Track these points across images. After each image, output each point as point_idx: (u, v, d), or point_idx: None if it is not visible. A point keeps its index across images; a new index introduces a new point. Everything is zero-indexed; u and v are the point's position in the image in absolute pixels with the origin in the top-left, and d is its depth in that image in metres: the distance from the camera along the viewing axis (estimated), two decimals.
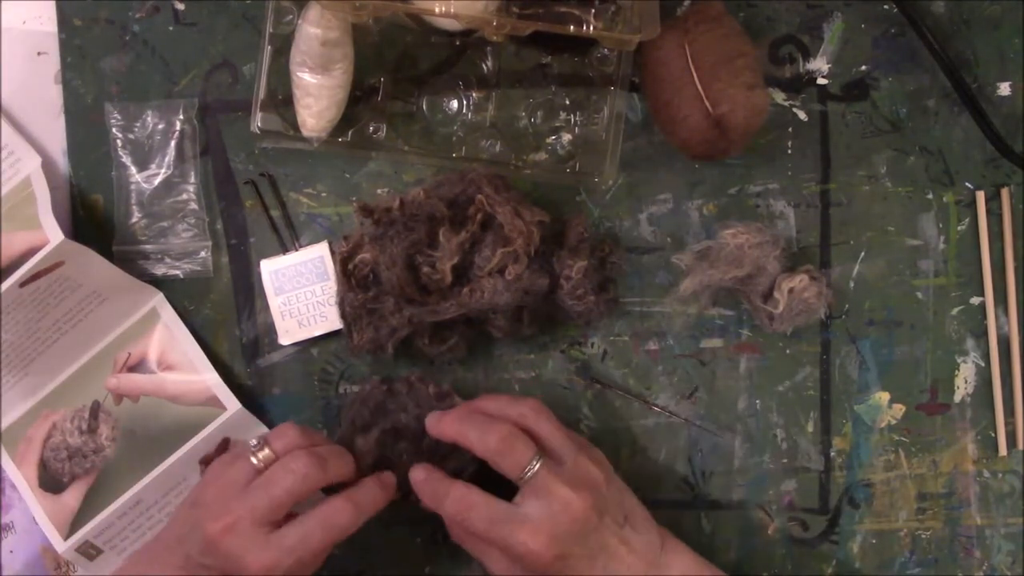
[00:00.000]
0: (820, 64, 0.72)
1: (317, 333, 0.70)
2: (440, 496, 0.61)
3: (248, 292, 0.71)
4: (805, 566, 0.72)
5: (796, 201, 0.72)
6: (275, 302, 0.70)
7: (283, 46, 0.68)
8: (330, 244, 0.71)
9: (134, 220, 0.70)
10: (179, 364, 0.70)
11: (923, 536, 0.72)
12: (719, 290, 0.70)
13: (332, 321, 0.70)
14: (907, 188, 0.72)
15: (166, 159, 0.70)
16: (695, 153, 0.67)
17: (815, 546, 0.72)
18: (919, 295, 0.72)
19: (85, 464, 0.69)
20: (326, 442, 0.64)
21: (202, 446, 0.69)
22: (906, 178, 0.72)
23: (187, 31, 0.71)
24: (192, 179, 0.71)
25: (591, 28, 0.65)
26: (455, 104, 0.71)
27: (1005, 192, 0.72)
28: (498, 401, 0.64)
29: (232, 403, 0.69)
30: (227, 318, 0.71)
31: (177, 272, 0.71)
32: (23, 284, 0.66)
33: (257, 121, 0.69)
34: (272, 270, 0.71)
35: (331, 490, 0.62)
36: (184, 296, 0.71)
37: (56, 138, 0.71)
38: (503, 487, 0.61)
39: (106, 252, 0.69)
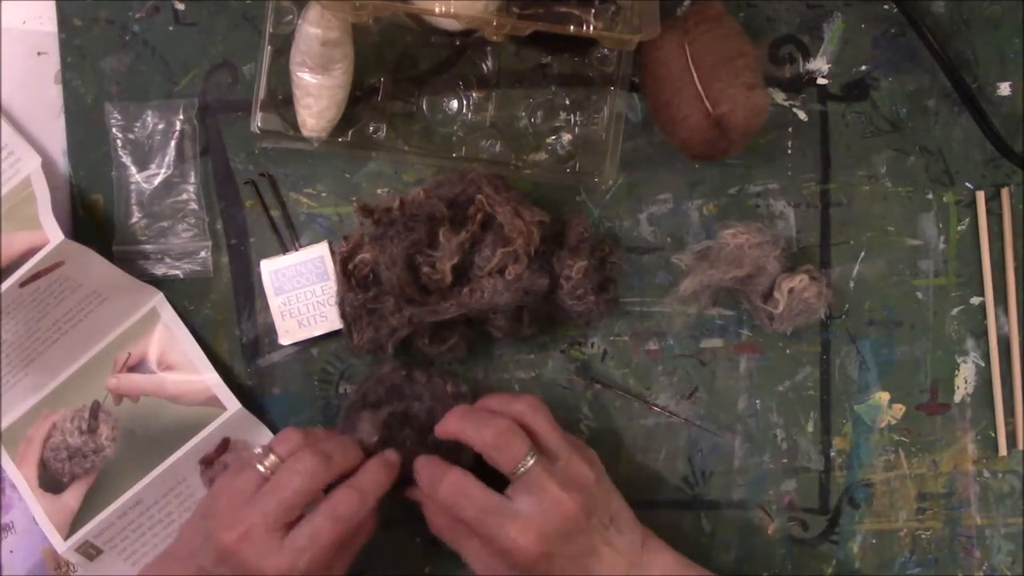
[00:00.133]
0: (820, 64, 0.72)
1: (317, 333, 0.70)
2: (435, 479, 0.61)
3: (248, 292, 0.71)
4: (805, 566, 0.72)
5: (796, 201, 0.72)
6: (275, 302, 0.70)
7: (283, 46, 0.68)
8: (330, 244, 0.71)
9: (134, 220, 0.70)
10: (179, 364, 0.70)
11: (923, 536, 0.72)
12: (719, 290, 0.70)
13: (332, 321, 0.70)
14: (907, 188, 0.72)
15: (166, 159, 0.70)
16: (695, 153, 0.67)
17: (815, 546, 0.72)
18: (919, 295, 0.72)
19: (85, 464, 0.69)
20: (328, 437, 0.64)
21: (202, 446, 0.69)
22: (906, 178, 0.72)
23: (187, 31, 0.71)
24: (192, 179, 0.71)
25: (591, 28, 0.65)
26: (455, 104, 0.71)
27: (1005, 192, 0.72)
28: (499, 399, 0.64)
29: (232, 403, 0.69)
30: (227, 318, 0.71)
31: (177, 272, 0.71)
32: (23, 284, 0.66)
33: (257, 121, 0.69)
34: (272, 270, 0.71)
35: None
36: (184, 296, 0.71)
37: (56, 138, 0.71)
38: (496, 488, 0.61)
39: (106, 252, 0.69)
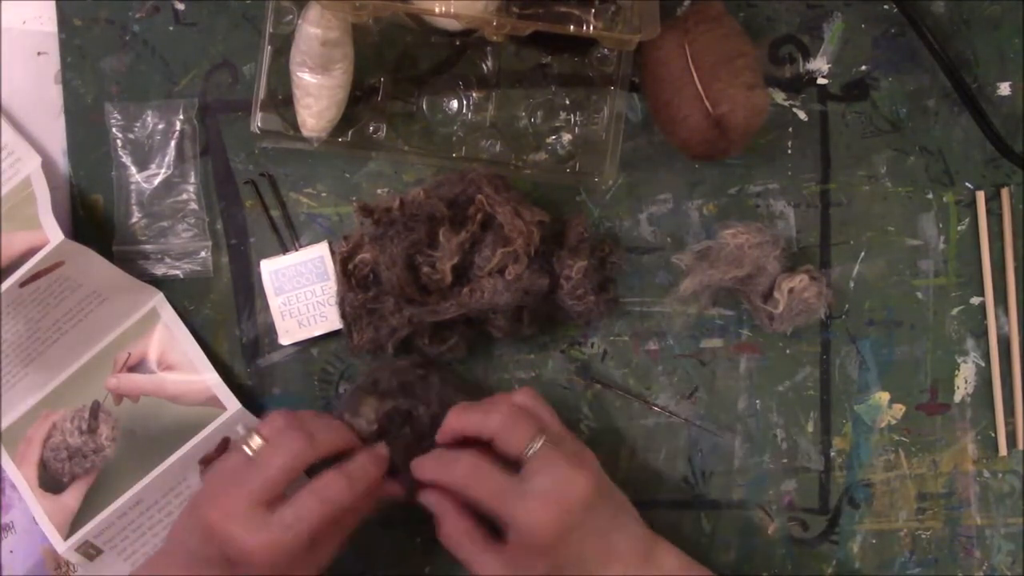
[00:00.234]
0: (820, 64, 0.72)
1: (317, 333, 0.70)
2: (450, 463, 0.61)
3: (248, 292, 0.71)
4: (805, 566, 0.72)
5: (796, 201, 0.72)
6: (275, 302, 0.70)
7: (283, 46, 0.68)
8: (330, 244, 0.71)
9: (134, 220, 0.70)
10: (179, 364, 0.70)
11: (923, 536, 0.72)
12: (719, 290, 0.70)
13: (332, 321, 0.70)
14: (907, 188, 0.72)
15: (166, 159, 0.70)
16: (695, 153, 0.67)
17: (815, 546, 0.72)
18: (919, 295, 0.72)
19: (85, 464, 0.69)
20: (316, 418, 0.64)
21: (202, 446, 0.69)
22: (906, 178, 0.72)
23: (187, 31, 0.71)
24: (192, 179, 0.71)
25: (591, 28, 0.65)
26: (455, 104, 0.71)
27: (1005, 192, 0.72)
28: (495, 396, 0.65)
29: (232, 403, 0.69)
30: (227, 318, 0.71)
31: (177, 272, 0.71)
32: (23, 284, 0.66)
33: (257, 121, 0.69)
34: (272, 270, 0.71)
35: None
36: (184, 296, 0.71)
37: (56, 138, 0.71)
38: None
39: (106, 252, 0.69)
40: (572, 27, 0.64)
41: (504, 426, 0.61)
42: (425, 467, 0.63)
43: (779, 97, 0.72)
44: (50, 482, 0.70)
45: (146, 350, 0.70)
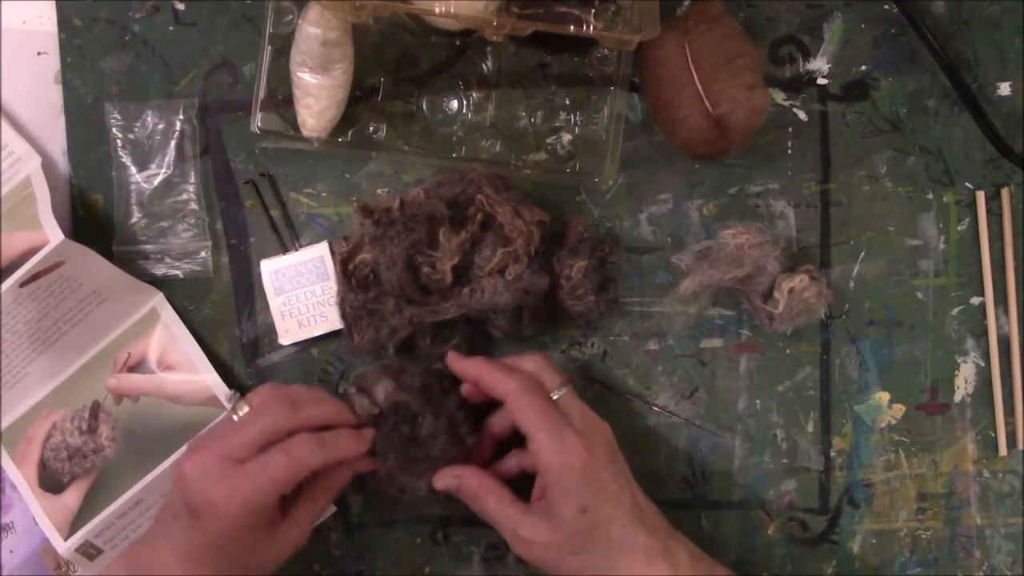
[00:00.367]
0: (820, 64, 0.72)
1: (317, 333, 0.70)
2: (507, 371, 0.63)
3: (248, 292, 0.71)
4: (805, 566, 0.72)
5: (796, 201, 0.72)
6: (275, 302, 0.70)
7: (283, 46, 0.68)
8: (330, 244, 0.71)
9: (134, 220, 0.70)
10: (179, 364, 0.70)
11: (923, 536, 0.72)
12: (719, 290, 0.70)
13: (332, 321, 0.70)
14: (907, 188, 0.72)
15: (166, 159, 0.70)
16: (695, 153, 0.67)
17: (815, 546, 0.72)
18: (919, 295, 0.72)
19: (85, 464, 0.69)
20: (306, 391, 0.64)
21: None
22: (906, 178, 0.72)
23: (187, 31, 0.71)
24: (192, 179, 0.71)
25: (591, 28, 0.65)
26: (455, 104, 0.71)
27: (1005, 192, 0.72)
28: (506, 358, 0.66)
29: None
30: (227, 318, 0.71)
31: (177, 272, 0.71)
32: (23, 284, 0.66)
33: (257, 121, 0.69)
34: (272, 270, 0.71)
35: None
36: (184, 296, 0.71)
37: (56, 138, 0.71)
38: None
39: (106, 252, 0.69)
40: (572, 27, 0.64)
41: (539, 367, 0.64)
42: (476, 366, 0.64)
43: (779, 97, 0.72)
44: (50, 482, 0.70)
45: (146, 350, 0.70)
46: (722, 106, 0.64)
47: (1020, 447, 0.72)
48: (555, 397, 0.63)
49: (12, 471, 0.70)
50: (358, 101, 0.70)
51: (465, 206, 0.66)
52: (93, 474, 0.69)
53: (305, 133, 0.68)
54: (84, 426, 0.69)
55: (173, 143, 0.70)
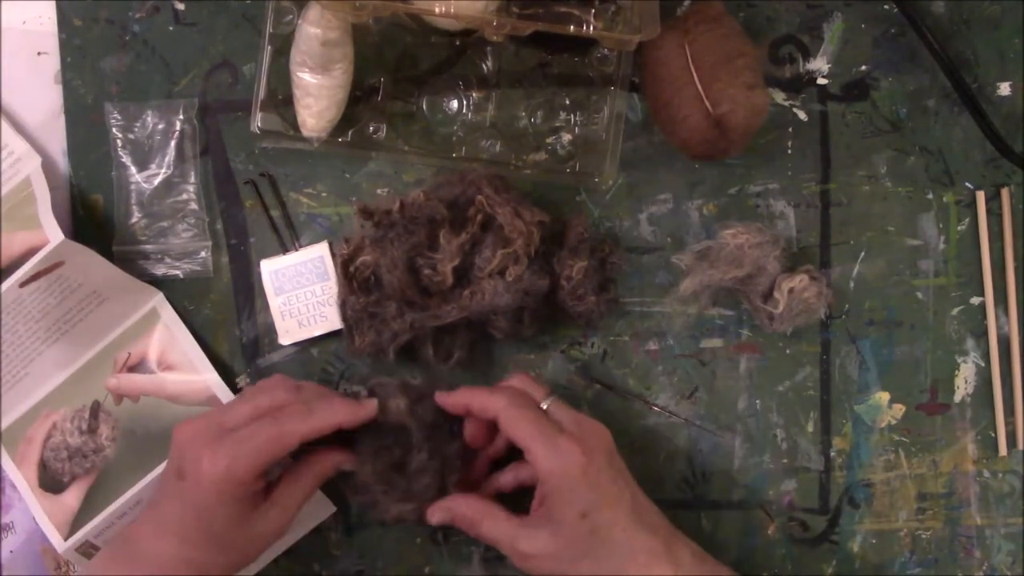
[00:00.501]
0: (820, 64, 0.72)
1: (317, 333, 0.70)
2: (491, 392, 0.63)
3: (248, 292, 0.71)
4: (805, 566, 0.72)
5: (796, 201, 0.72)
6: (275, 302, 0.70)
7: (283, 46, 0.68)
8: (330, 244, 0.71)
9: (134, 220, 0.70)
10: (179, 364, 0.70)
11: (923, 536, 0.72)
12: (719, 290, 0.70)
13: (332, 321, 0.70)
14: (907, 188, 0.72)
15: (166, 159, 0.70)
16: (695, 153, 0.67)
17: (815, 546, 0.72)
18: (919, 295, 0.72)
19: (85, 464, 0.69)
20: (315, 386, 0.65)
21: None
22: (906, 178, 0.72)
23: (187, 31, 0.71)
24: (192, 179, 0.71)
25: (591, 28, 0.65)
26: (455, 104, 0.71)
27: (1005, 192, 0.72)
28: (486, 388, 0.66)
29: None
30: (227, 318, 0.71)
31: (177, 272, 0.71)
32: (23, 284, 0.66)
33: (257, 121, 0.69)
34: (272, 270, 0.71)
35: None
36: (184, 296, 0.71)
37: (56, 138, 0.71)
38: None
39: (106, 252, 0.69)
40: (572, 27, 0.64)
41: (522, 383, 0.64)
42: (463, 395, 0.64)
43: (779, 97, 0.72)
44: (50, 482, 0.70)
45: (146, 350, 0.70)
46: (722, 106, 0.64)
47: (1020, 447, 0.72)
48: (544, 407, 0.63)
49: (12, 471, 0.70)
50: (358, 101, 0.70)
51: (465, 207, 0.66)
52: (93, 474, 0.69)
53: (305, 133, 0.68)
54: (84, 426, 0.69)
55: (173, 143, 0.70)
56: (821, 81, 0.72)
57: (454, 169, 0.69)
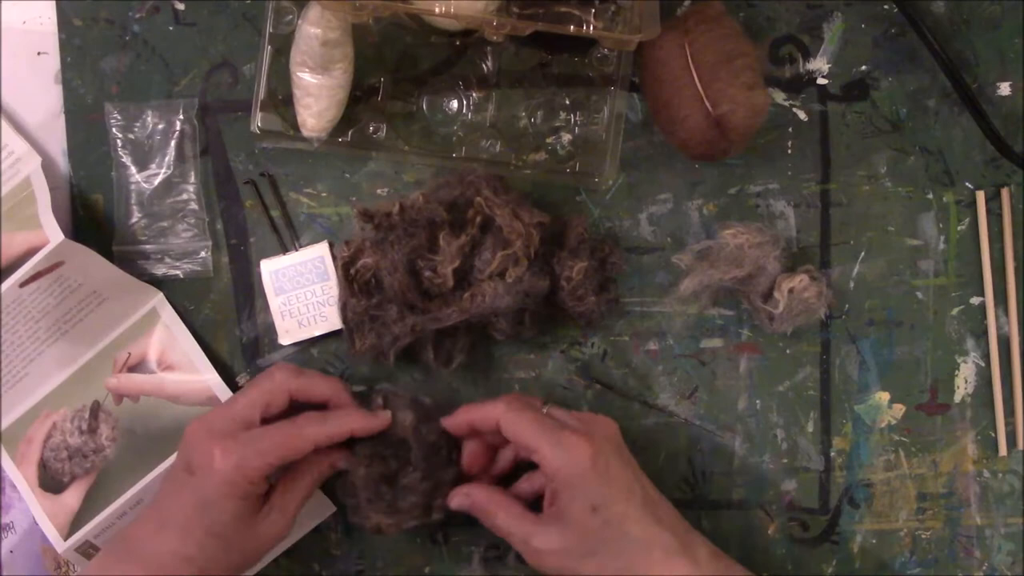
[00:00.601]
0: (820, 64, 0.72)
1: (317, 333, 0.70)
2: (488, 404, 0.63)
3: (248, 292, 0.71)
4: (805, 566, 0.72)
5: (796, 201, 0.72)
6: (275, 302, 0.70)
7: (283, 46, 0.68)
8: (330, 244, 0.71)
9: (134, 220, 0.70)
10: (179, 364, 0.70)
11: (923, 536, 0.72)
12: (719, 290, 0.70)
13: (332, 321, 0.70)
14: (907, 188, 0.72)
15: (166, 159, 0.70)
16: (695, 153, 0.67)
17: (815, 546, 0.72)
18: (919, 295, 0.72)
19: (85, 464, 0.69)
20: (317, 373, 0.65)
21: None
22: (906, 178, 0.72)
23: (187, 31, 0.71)
24: (192, 179, 0.71)
25: (591, 28, 0.65)
26: (455, 104, 0.71)
27: (1005, 192, 0.72)
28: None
29: None
30: (227, 318, 0.71)
31: (177, 272, 0.71)
32: (23, 284, 0.66)
33: (257, 121, 0.69)
34: (272, 270, 0.71)
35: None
36: (184, 296, 0.71)
37: (56, 138, 0.71)
38: None
39: (106, 252, 0.69)
40: (572, 27, 0.64)
41: (517, 397, 0.64)
42: (464, 413, 0.64)
43: (779, 97, 0.72)
44: (50, 482, 0.70)
45: (146, 350, 0.70)
46: (722, 106, 0.64)
47: (1020, 447, 0.72)
48: (544, 412, 0.63)
49: (12, 471, 0.70)
50: (358, 101, 0.70)
51: (464, 209, 0.66)
52: (93, 474, 0.69)
53: (305, 133, 0.68)
54: (84, 426, 0.69)
55: (173, 143, 0.70)
56: (821, 81, 0.72)
57: (454, 169, 0.69)
